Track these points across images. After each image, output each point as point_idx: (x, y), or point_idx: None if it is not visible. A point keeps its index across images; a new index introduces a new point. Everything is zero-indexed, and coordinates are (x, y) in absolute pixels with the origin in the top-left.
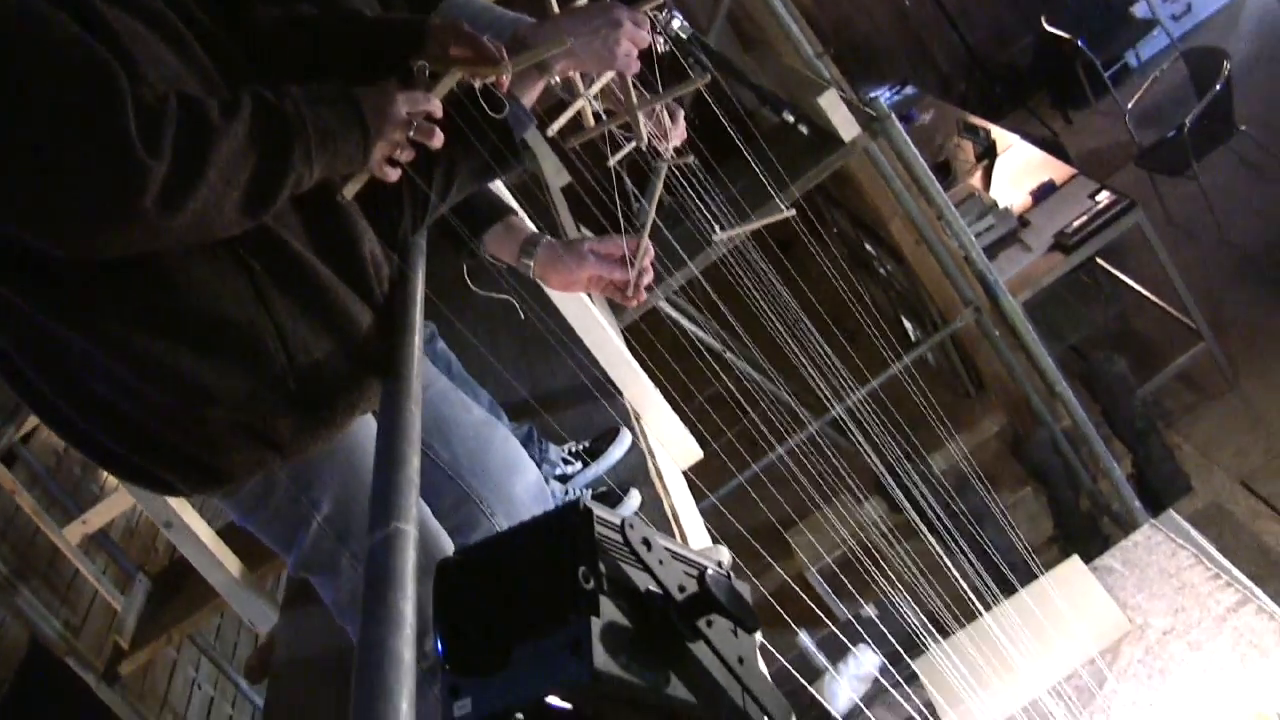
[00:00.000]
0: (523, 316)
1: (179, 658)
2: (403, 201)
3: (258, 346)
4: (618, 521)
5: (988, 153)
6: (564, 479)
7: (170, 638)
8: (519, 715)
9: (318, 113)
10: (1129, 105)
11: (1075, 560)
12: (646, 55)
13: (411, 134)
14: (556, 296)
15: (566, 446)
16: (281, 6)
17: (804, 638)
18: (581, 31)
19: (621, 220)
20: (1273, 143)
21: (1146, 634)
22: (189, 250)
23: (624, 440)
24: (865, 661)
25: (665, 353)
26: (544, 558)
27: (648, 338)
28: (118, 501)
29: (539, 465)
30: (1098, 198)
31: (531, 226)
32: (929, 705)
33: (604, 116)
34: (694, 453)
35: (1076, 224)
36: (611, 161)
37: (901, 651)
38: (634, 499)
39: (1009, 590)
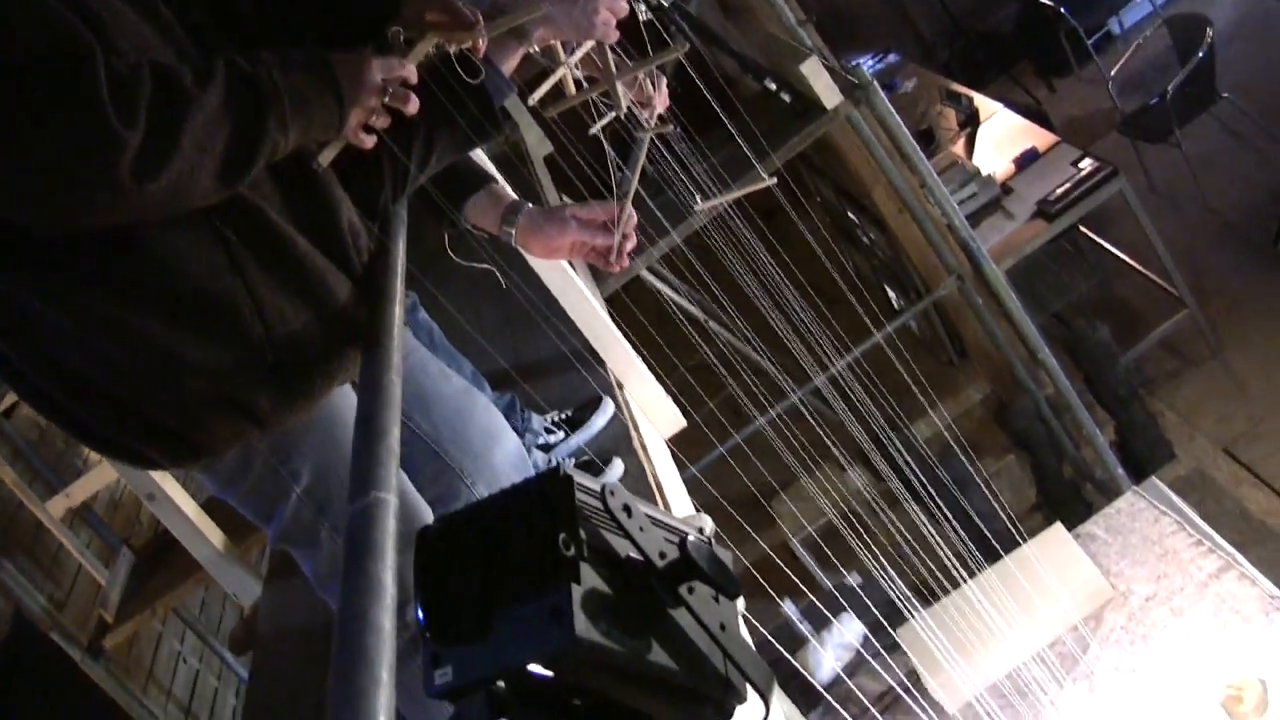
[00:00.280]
0: (504, 286)
1: (163, 631)
2: (382, 171)
3: (234, 318)
4: (598, 488)
5: (970, 120)
6: (546, 448)
7: (154, 611)
8: (500, 683)
9: (292, 79)
10: (1112, 72)
11: (1058, 527)
12: (628, 23)
13: (387, 100)
14: (538, 265)
15: (549, 416)
16: None
17: (787, 607)
18: None
19: (611, 190)
20: (1255, 109)
21: (1129, 600)
22: (164, 221)
23: (606, 409)
24: (848, 631)
25: (648, 322)
26: (524, 525)
27: (630, 307)
28: (101, 475)
29: (521, 435)
30: (1080, 165)
31: (513, 194)
32: (912, 674)
33: (585, 85)
34: (677, 422)
35: (1059, 191)
36: (594, 130)
37: (884, 621)
38: (617, 468)
39: (992, 558)
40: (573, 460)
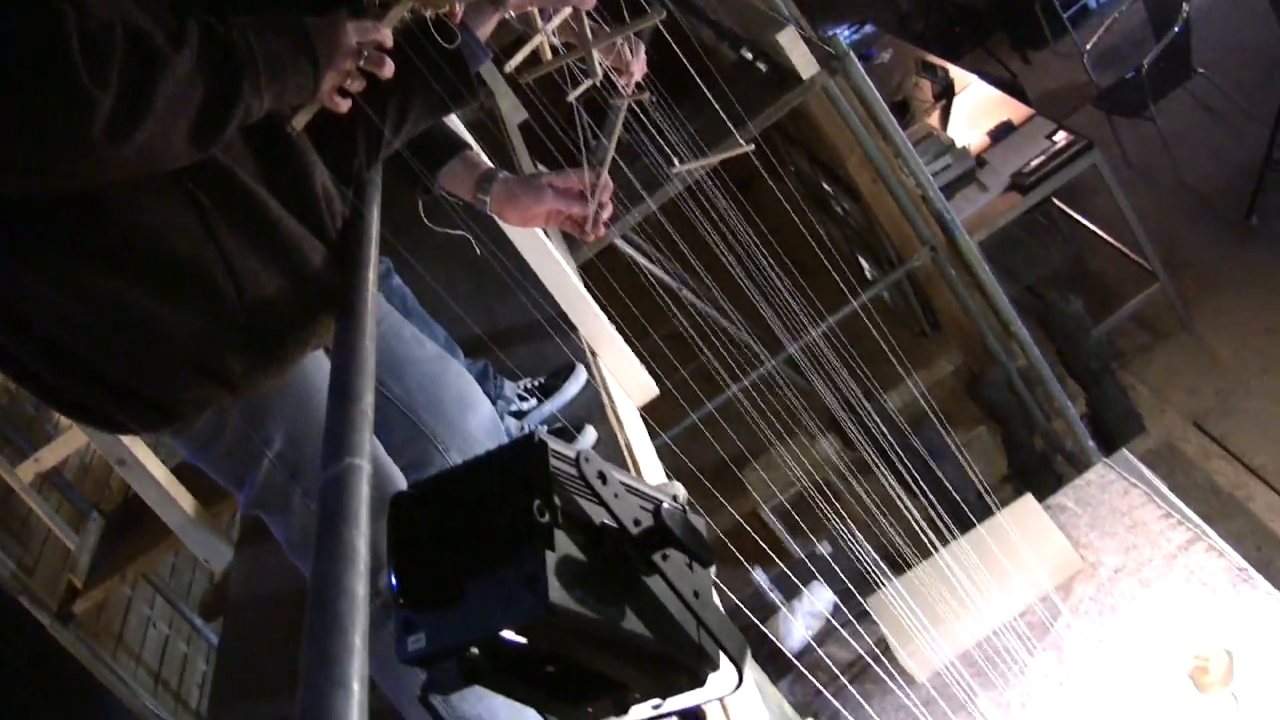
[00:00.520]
0: (478, 253)
1: (134, 596)
2: (356, 136)
3: (207, 282)
4: (573, 455)
5: (946, 92)
6: (519, 415)
7: (125, 576)
8: (473, 650)
9: (266, 42)
10: (1087, 46)
11: (1028, 499)
12: None
13: (362, 64)
14: (513, 233)
15: (522, 383)
16: None
17: (757, 575)
18: None
19: (583, 157)
20: (1230, 85)
21: (1098, 571)
22: (137, 184)
23: (579, 377)
24: (818, 599)
25: (621, 290)
26: (498, 491)
27: (604, 275)
28: (71, 440)
29: (494, 402)
30: (1055, 138)
31: (488, 162)
32: (881, 642)
33: (562, 51)
34: (650, 390)
35: (1034, 164)
36: (571, 97)
37: (854, 589)
38: (589, 436)
39: (963, 528)
40: (545, 427)
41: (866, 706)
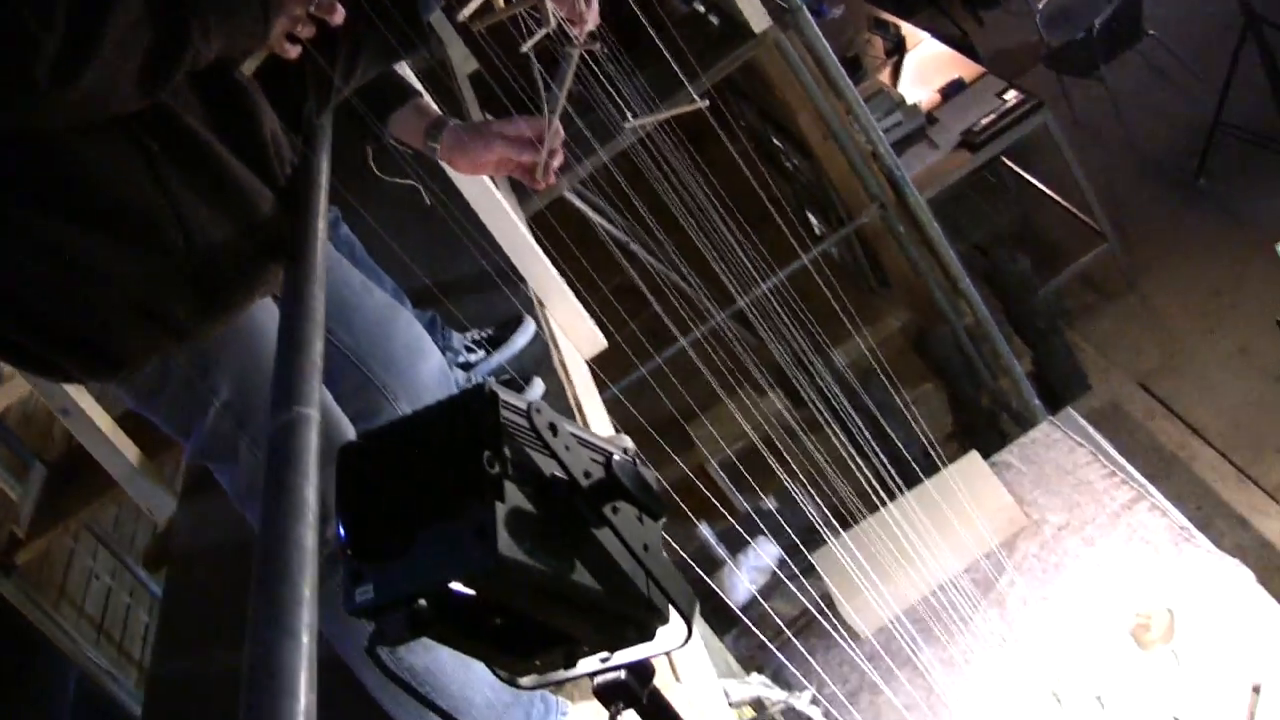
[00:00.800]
0: (427, 203)
1: (76, 547)
2: (306, 82)
3: (154, 228)
4: (524, 406)
5: (897, 49)
6: (466, 367)
7: (67, 527)
8: (422, 602)
9: None
10: (1039, 6)
11: (974, 456)
12: None
13: (312, 10)
14: (462, 182)
15: (469, 334)
16: None
17: (703, 530)
18: None
19: (537, 107)
20: (1180, 47)
21: (1042, 529)
22: (83, 129)
23: (527, 329)
24: (764, 554)
25: (571, 242)
26: (448, 442)
27: (553, 227)
28: (13, 388)
29: (442, 353)
30: (1005, 97)
31: (438, 110)
32: (826, 597)
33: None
34: (598, 342)
35: (984, 122)
36: (525, 47)
37: (800, 544)
38: (537, 388)
39: (909, 484)
40: (494, 379)
41: (811, 661)
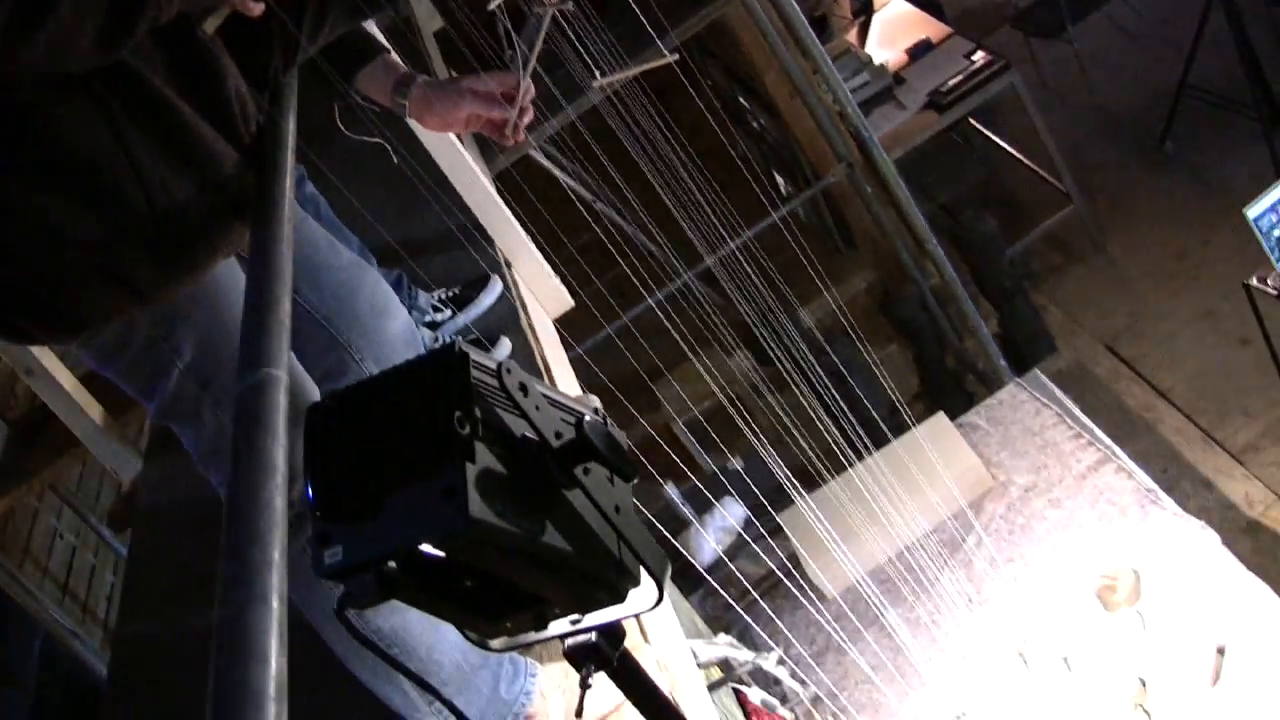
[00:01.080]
0: (394, 161)
1: (40, 507)
2: (271, 40)
3: (115, 187)
4: (494, 366)
5: (865, 9)
6: (433, 326)
7: (31, 487)
8: (391, 564)
9: None
10: None
11: (941, 416)
12: None
13: None
14: (429, 140)
15: (436, 293)
16: None
17: (669, 490)
18: None
19: (508, 61)
20: (1147, 9)
21: (1009, 490)
22: (43, 86)
23: (494, 288)
24: (730, 514)
25: (537, 201)
26: (418, 402)
27: (520, 185)
28: None
29: (408, 312)
30: (973, 58)
31: (405, 67)
32: (793, 557)
33: None
34: (565, 302)
35: (951, 83)
36: (492, 4)
37: (766, 504)
38: (504, 348)
39: (877, 444)
40: (461, 339)
41: (778, 621)
